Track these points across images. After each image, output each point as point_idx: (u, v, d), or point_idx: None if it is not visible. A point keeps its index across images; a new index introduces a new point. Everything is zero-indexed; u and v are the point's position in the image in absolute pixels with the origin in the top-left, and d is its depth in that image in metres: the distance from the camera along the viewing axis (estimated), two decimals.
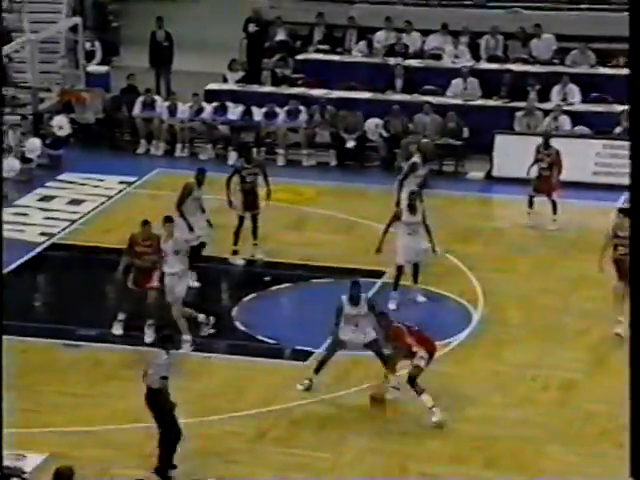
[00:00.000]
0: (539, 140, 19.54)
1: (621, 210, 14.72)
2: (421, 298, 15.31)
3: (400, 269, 15.18)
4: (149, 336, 14.04)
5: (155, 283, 14.03)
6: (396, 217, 15.23)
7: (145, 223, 14.29)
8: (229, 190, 16.43)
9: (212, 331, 14.40)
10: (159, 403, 11.27)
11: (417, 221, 15.08)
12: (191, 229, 15.51)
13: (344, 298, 12.95)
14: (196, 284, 15.51)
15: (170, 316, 14.08)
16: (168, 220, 14.41)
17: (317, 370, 13.09)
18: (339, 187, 19.93)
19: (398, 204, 16.31)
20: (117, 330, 14.39)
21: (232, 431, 12.28)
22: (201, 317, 14.36)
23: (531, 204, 17.86)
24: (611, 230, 14.47)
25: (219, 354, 14.08)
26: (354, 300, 12.90)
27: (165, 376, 11.29)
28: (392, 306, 14.93)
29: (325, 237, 17.75)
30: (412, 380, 12.39)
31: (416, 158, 17.74)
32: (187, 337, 14.08)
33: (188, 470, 11.30)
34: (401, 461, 11.79)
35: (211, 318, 14.42)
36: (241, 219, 16.42)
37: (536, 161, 17.94)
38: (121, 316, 14.39)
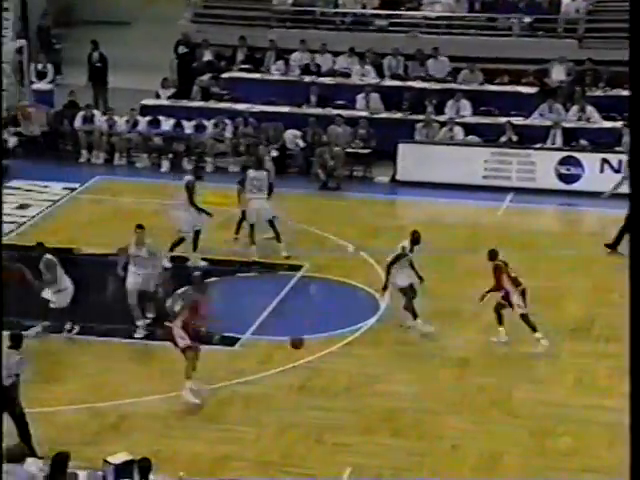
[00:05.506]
0: (437, 148, 19.64)
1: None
2: None
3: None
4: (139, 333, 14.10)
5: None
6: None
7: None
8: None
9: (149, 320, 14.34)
10: (11, 399, 10.74)
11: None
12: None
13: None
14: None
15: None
16: (140, 227, 14.20)
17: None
18: None
19: (385, 288, 14.36)
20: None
21: (168, 409, 12.24)
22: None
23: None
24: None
25: (160, 341, 13.95)
26: None
27: (17, 374, 10.85)
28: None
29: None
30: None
31: (405, 244, 14.48)
32: (140, 322, 14.16)
33: (128, 445, 11.18)
34: (317, 433, 11.84)
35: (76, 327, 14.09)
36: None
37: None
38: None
